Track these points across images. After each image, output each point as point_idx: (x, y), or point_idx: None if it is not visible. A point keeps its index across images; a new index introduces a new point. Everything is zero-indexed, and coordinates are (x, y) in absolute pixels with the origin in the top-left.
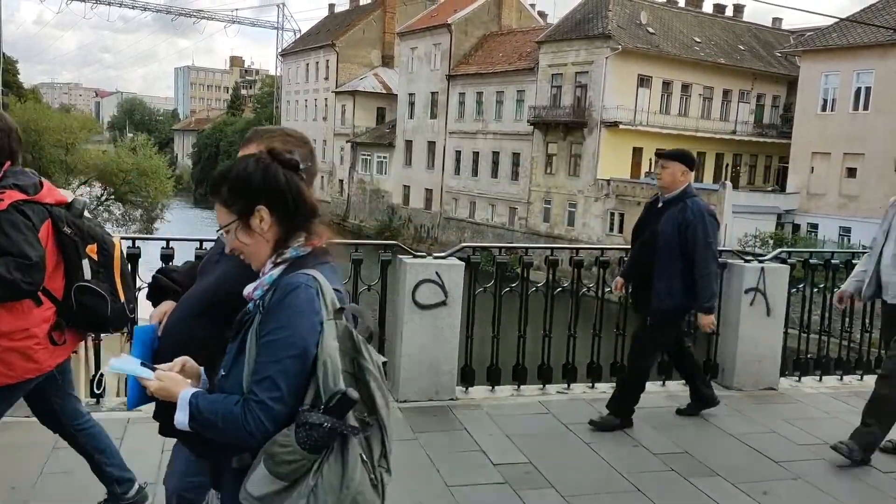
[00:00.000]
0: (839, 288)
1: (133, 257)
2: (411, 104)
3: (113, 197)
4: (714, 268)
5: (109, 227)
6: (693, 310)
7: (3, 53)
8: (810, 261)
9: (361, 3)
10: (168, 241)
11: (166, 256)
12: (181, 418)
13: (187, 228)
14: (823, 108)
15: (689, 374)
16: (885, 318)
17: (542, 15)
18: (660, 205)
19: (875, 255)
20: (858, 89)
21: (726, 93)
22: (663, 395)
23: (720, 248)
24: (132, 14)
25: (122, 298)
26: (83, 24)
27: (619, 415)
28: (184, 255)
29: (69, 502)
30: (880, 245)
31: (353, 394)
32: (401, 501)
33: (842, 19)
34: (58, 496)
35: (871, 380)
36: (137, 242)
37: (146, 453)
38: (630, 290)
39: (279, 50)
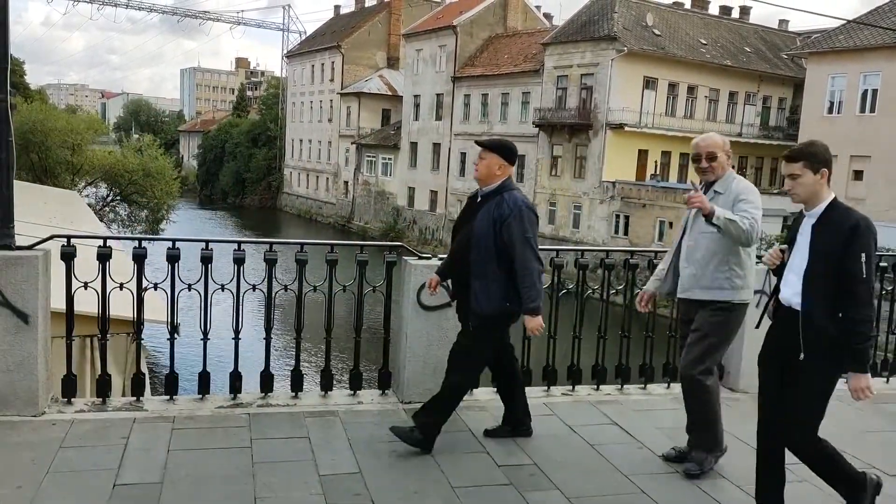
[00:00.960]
0: None
1: (139, 258)
2: (416, 106)
3: (119, 198)
4: (535, 265)
5: (115, 227)
6: (518, 313)
7: (10, 54)
8: None
9: (367, 5)
10: (174, 241)
11: (172, 257)
12: None
13: (193, 229)
14: (830, 111)
15: (507, 390)
16: (680, 315)
17: (548, 17)
18: (478, 199)
19: (673, 250)
20: (865, 91)
21: (732, 95)
22: (668, 397)
23: None
24: (139, 15)
25: None
26: (90, 25)
27: (424, 431)
28: (190, 255)
29: (74, 502)
30: (678, 239)
31: None
32: (406, 502)
33: (849, 21)
34: (63, 496)
35: (876, 382)
36: (143, 243)
37: (152, 452)
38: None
39: (285, 51)
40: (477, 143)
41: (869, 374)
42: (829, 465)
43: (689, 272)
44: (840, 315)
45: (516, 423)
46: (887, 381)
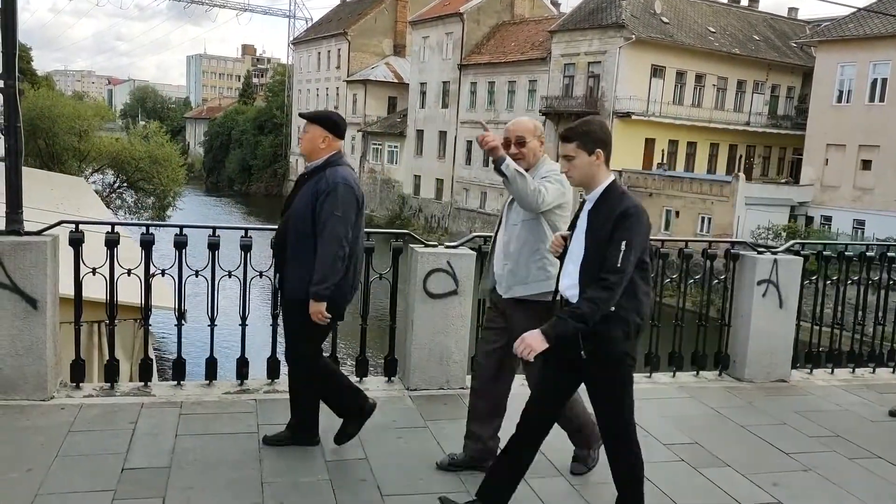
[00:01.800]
0: (851, 281)
1: (147, 244)
2: (423, 94)
3: (125, 184)
4: (335, 248)
5: (122, 214)
6: (338, 303)
7: (18, 41)
8: (823, 253)
9: None
10: (181, 227)
11: (180, 243)
12: None
13: (199, 216)
14: (839, 100)
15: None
16: (494, 314)
17: (555, 4)
18: (305, 176)
19: (491, 246)
20: (875, 80)
21: (740, 83)
22: (674, 385)
23: (736, 239)
24: (146, 2)
25: None
26: (97, 11)
27: (301, 427)
28: (197, 241)
29: (83, 485)
30: (494, 234)
31: None
32: (411, 488)
33: (859, 9)
34: (72, 479)
35: (883, 373)
36: (151, 229)
37: (160, 437)
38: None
39: (291, 38)
40: (300, 114)
41: (546, 345)
42: (633, 481)
43: (508, 268)
44: (612, 309)
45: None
46: (894, 371)
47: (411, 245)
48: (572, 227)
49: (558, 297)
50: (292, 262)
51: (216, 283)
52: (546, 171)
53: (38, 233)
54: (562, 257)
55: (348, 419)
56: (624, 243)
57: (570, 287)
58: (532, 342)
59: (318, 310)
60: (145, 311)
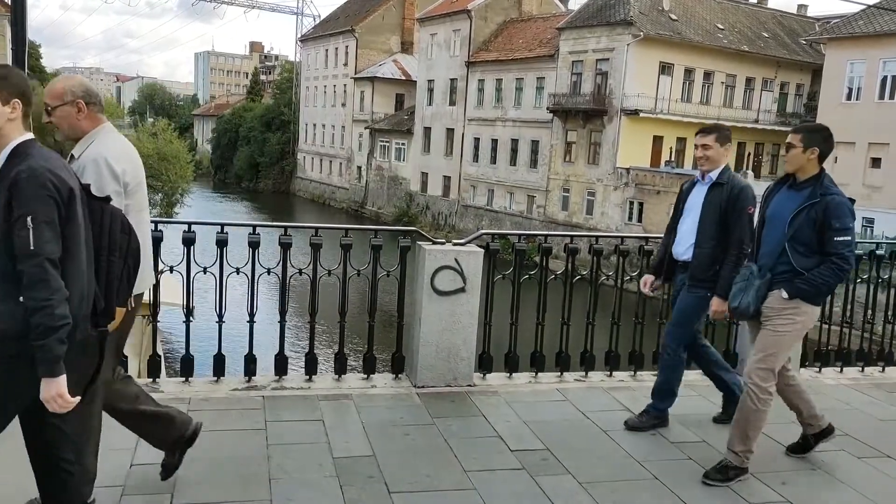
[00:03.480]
0: (861, 279)
1: (156, 240)
2: (430, 91)
3: None
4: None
5: None
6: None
7: (28, 38)
8: None
9: None
10: (190, 224)
11: (188, 240)
12: None
13: (207, 213)
14: (848, 97)
15: None
16: None
17: (563, 1)
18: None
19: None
20: (885, 78)
21: (749, 81)
22: (682, 384)
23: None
24: None
25: None
26: (107, 9)
27: None
28: (205, 238)
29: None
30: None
31: None
32: (418, 485)
33: (868, 6)
34: None
35: (893, 372)
36: (159, 226)
37: None
38: None
39: (298, 35)
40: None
41: (60, 380)
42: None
43: None
44: (21, 300)
45: None
46: (883, 370)
47: (419, 242)
48: None
49: None
50: None
51: (224, 279)
52: (95, 153)
53: None
54: None
55: None
56: (30, 219)
57: None
58: (54, 391)
59: None
60: (154, 307)
